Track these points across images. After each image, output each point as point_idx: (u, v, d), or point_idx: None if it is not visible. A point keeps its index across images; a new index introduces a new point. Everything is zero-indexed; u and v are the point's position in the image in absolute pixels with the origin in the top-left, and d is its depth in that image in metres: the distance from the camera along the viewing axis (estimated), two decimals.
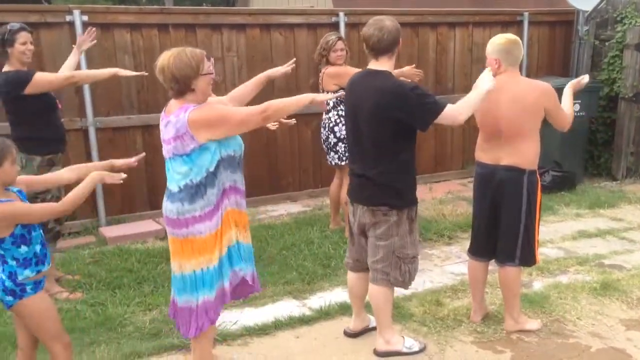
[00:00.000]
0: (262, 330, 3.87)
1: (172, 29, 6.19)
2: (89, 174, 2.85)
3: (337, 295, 4.36)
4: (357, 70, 5.38)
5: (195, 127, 2.83)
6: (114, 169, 3.06)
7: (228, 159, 2.97)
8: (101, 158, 5.95)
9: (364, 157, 3.41)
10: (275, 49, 6.70)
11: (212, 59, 4.95)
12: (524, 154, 3.61)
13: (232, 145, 3.00)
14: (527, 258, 3.74)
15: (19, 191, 2.79)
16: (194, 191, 2.91)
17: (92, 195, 5.93)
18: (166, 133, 2.93)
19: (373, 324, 3.72)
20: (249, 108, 3.03)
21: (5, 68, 4.28)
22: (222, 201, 2.98)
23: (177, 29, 6.22)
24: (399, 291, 3.84)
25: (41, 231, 2.81)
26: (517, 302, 3.82)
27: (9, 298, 2.71)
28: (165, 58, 2.90)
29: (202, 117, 2.85)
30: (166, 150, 2.97)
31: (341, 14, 6.94)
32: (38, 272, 2.75)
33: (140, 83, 6.12)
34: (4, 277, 2.70)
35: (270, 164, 6.84)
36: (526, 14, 8.07)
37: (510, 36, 3.66)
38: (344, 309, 4.10)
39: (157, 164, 6.16)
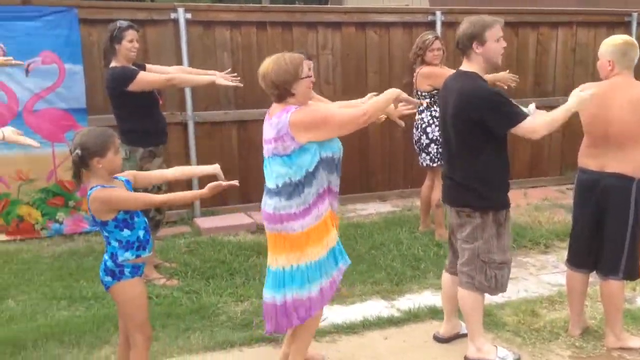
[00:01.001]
0: (351, 329, 3.87)
1: (269, 27, 6.30)
2: (202, 188, 3.00)
3: (426, 298, 4.30)
4: (451, 71, 5.30)
5: (296, 128, 2.89)
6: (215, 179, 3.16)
7: (327, 160, 3.01)
8: (198, 151, 6.17)
9: (450, 158, 3.41)
10: (370, 48, 6.69)
11: (311, 62, 5.01)
12: (634, 160, 3.41)
13: (332, 147, 3.03)
14: (632, 271, 3.54)
15: (127, 181, 2.93)
16: (292, 189, 2.97)
17: (188, 187, 6.14)
18: (267, 133, 3.01)
19: (464, 330, 3.64)
20: (350, 111, 3.07)
21: (113, 64, 4.50)
22: (320, 202, 3.01)
23: (274, 27, 6.33)
24: (491, 299, 3.74)
25: (145, 218, 2.94)
26: (619, 317, 3.62)
27: (108, 279, 2.84)
28: (265, 65, 2.99)
29: (303, 119, 2.90)
30: (266, 150, 3.04)
31: (438, 13, 6.83)
32: (138, 256, 2.86)
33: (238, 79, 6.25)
34: (106, 258, 2.85)
35: (361, 162, 6.83)
36: (635, 14, 7.63)
37: (626, 37, 3.48)
38: (433, 313, 4.04)
39: (250, 158, 6.34)
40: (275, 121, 2.94)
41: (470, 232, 3.33)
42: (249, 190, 6.44)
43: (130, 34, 4.48)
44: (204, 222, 5.98)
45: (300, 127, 2.89)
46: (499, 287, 3.39)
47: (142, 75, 4.48)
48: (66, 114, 5.61)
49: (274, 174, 3.01)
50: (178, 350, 3.63)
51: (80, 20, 5.54)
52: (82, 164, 2.74)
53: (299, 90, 2.96)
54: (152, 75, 4.62)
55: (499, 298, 3.66)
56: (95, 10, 5.66)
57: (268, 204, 3.06)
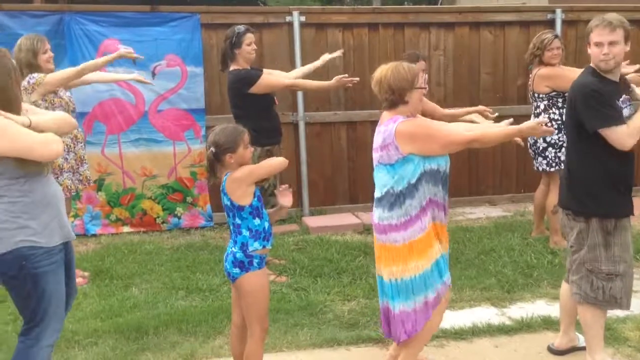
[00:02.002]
0: (459, 335, 3.80)
1: (381, 28, 6.32)
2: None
3: (539, 307, 4.14)
4: (572, 70, 5.05)
5: (401, 138, 2.91)
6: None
7: (431, 173, 2.98)
8: (308, 150, 6.30)
9: (566, 160, 3.34)
10: (484, 48, 6.53)
11: (424, 63, 5.01)
12: None
13: (437, 160, 3.00)
14: None
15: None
16: (393, 200, 2.98)
17: (298, 186, 6.30)
18: (376, 141, 3.04)
19: (582, 343, 3.47)
20: (458, 133, 3.05)
21: (232, 67, 4.71)
22: (423, 214, 2.99)
23: (386, 28, 6.33)
24: (612, 312, 3.54)
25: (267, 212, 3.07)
26: None
27: (237, 270, 2.97)
28: (383, 70, 3.01)
29: (409, 130, 2.92)
30: (374, 158, 3.08)
31: (558, 11, 6.54)
32: (264, 247, 3.00)
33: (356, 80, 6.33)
34: (235, 250, 2.97)
35: (471, 165, 6.68)
36: None
37: None
38: (547, 323, 3.88)
39: (359, 159, 6.39)
40: (383, 129, 2.98)
41: (575, 238, 3.22)
42: (357, 191, 6.50)
43: (249, 37, 4.67)
44: (313, 221, 6.09)
45: (405, 138, 2.90)
46: (608, 300, 3.19)
47: (265, 78, 4.67)
48: (186, 114, 5.93)
49: (379, 182, 3.05)
50: (287, 344, 3.73)
51: (201, 25, 5.83)
52: (216, 160, 2.92)
53: (412, 99, 2.98)
54: (274, 80, 4.80)
55: (620, 311, 3.45)
56: (216, 15, 5.93)
57: (375, 213, 3.09)
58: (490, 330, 3.84)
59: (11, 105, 2.66)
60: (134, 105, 5.80)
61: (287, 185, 3.23)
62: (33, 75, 4.29)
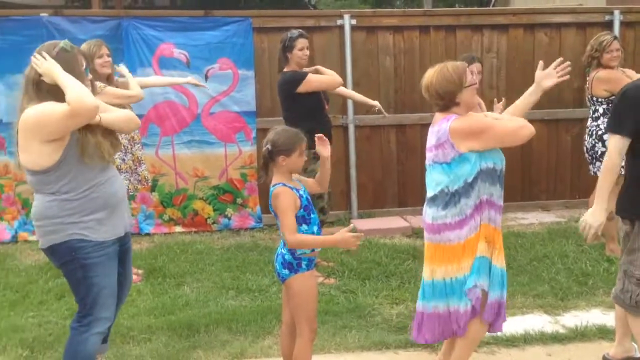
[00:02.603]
0: (510, 342, 3.73)
1: (432, 31, 6.27)
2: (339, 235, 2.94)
3: (594, 316, 4.02)
4: (632, 73, 4.90)
5: (456, 136, 2.88)
6: None
7: (487, 171, 2.93)
8: (357, 153, 6.30)
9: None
10: (538, 50, 6.39)
11: (480, 65, 4.95)
12: None
13: (493, 158, 2.95)
14: None
15: (304, 189, 3.09)
16: (448, 199, 2.94)
17: (347, 189, 6.31)
18: (429, 141, 3.02)
19: (639, 354, 3.36)
20: (512, 122, 2.96)
21: (286, 70, 4.76)
22: (477, 213, 2.94)
23: (437, 31, 6.29)
24: None
25: (316, 216, 3.08)
26: None
27: (285, 271, 3.00)
28: (429, 76, 2.99)
29: (463, 127, 2.88)
30: (428, 158, 3.05)
31: (616, 12, 6.37)
32: (312, 250, 3.02)
33: (399, 84, 6.32)
34: (284, 252, 3.01)
35: (524, 169, 6.55)
36: None
37: None
38: (603, 333, 3.77)
39: (409, 163, 6.36)
40: (437, 129, 2.95)
41: (622, 240, 3.17)
42: (406, 195, 6.47)
43: (301, 42, 4.72)
44: (361, 224, 6.08)
45: (460, 135, 2.87)
46: (634, 305, 3.09)
47: (310, 76, 4.71)
48: (238, 117, 6.02)
49: (433, 182, 3.01)
50: (335, 346, 3.74)
51: (253, 29, 5.91)
52: (269, 158, 2.95)
53: (463, 99, 2.94)
54: (319, 76, 4.81)
55: None
56: (268, 19, 6.01)
57: (427, 213, 3.06)
58: (543, 339, 3.76)
59: None
60: (187, 108, 5.93)
61: (321, 135, 3.16)
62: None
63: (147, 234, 5.97)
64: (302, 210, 2.97)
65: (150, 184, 5.20)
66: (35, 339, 3.80)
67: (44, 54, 2.74)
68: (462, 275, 2.96)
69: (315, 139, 3.12)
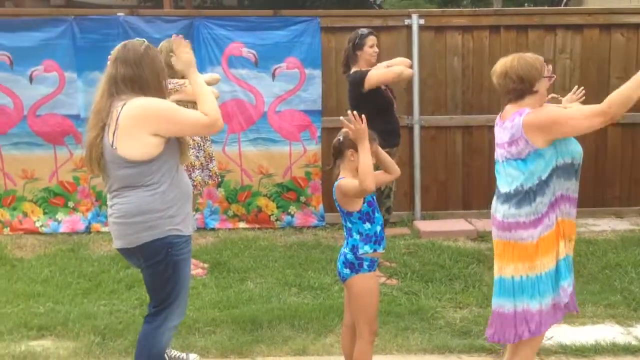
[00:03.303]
0: (580, 352, 3.61)
1: (503, 31, 6.14)
2: None
3: None
4: None
5: (530, 130, 2.79)
6: None
7: (564, 167, 2.85)
8: (422, 154, 6.24)
9: None
10: (615, 51, 6.16)
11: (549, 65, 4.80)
12: None
13: (571, 152, 2.86)
14: None
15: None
16: (522, 196, 2.86)
17: (410, 190, 6.25)
18: (500, 137, 2.94)
19: None
20: (587, 108, 2.84)
21: (353, 69, 4.77)
22: (552, 211, 2.86)
23: (508, 31, 6.15)
24: None
25: (381, 215, 3.07)
26: None
27: (347, 271, 3.00)
28: (507, 62, 2.90)
29: (537, 119, 2.79)
30: (499, 154, 2.97)
31: None
32: (374, 250, 3.01)
33: (466, 84, 6.22)
34: (346, 251, 3.01)
35: (596, 173, 6.31)
36: None
37: None
38: None
39: (474, 165, 6.25)
40: (509, 125, 2.86)
41: None
42: (470, 197, 6.36)
43: (371, 39, 4.72)
44: (424, 225, 6.02)
45: (534, 129, 2.78)
46: None
47: (370, 73, 4.69)
48: (303, 115, 6.06)
49: (506, 178, 2.93)
50: (397, 348, 3.72)
51: (321, 29, 5.94)
52: (338, 151, 2.97)
53: (540, 89, 2.86)
54: (380, 71, 4.76)
55: None
56: (336, 19, 6.03)
57: (498, 210, 2.98)
58: (615, 350, 3.62)
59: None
60: (254, 106, 6.02)
61: (355, 113, 3.00)
62: (172, 80, 4.55)
63: (212, 229, 6.09)
64: (366, 205, 2.96)
65: (219, 179, 5.31)
66: (106, 327, 3.94)
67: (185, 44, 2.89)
68: (533, 274, 2.87)
69: (350, 116, 2.95)
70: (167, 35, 5.30)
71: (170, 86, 4.51)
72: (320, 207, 6.18)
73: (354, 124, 2.87)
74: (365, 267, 2.99)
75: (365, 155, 2.86)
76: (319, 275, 4.84)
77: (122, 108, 2.77)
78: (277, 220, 6.19)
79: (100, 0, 15.55)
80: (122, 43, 2.93)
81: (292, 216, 6.20)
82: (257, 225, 6.16)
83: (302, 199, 6.19)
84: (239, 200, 6.14)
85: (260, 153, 6.10)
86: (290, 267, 5.06)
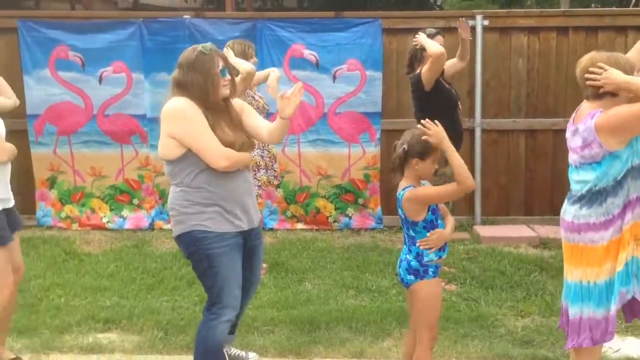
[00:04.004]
0: None
1: (571, 32, 5.96)
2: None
3: None
4: None
5: (603, 132, 2.71)
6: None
7: (639, 168, 2.75)
8: (483, 159, 6.13)
9: None
10: None
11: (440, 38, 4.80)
12: None
13: None
14: None
15: None
16: (594, 198, 2.78)
17: (471, 194, 6.14)
18: (574, 141, 2.86)
19: None
20: None
21: (419, 69, 4.74)
22: (625, 213, 2.76)
23: (576, 32, 5.97)
24: None
25: (443, 223, 3.03)
26: None
27: (410, 277, 2.98)
28: (596, 57, 2.80)
29: (608, 122, 2.70)
30: (573, 159, 2.90)
31: None
32: (439, 257, 2.99)
33: (531, 86, 6.08)
34: (409, 258, 2.99)
35: None
36: None
37: None
38: None
39: (538, 170, 6.10)
40: (582, 128, 2.78)
41: None
42: (533, 202, 6.21)
43: (438, 39, 4.69)
44: (484, 231, 5.91)
45: (606, 131, 2.69)
46: None
47: (423, 70, 4.67)
48: (363, 117, 6.06)
49: (579, 180, 2.85)
50: (456, 355, 3.67)
51: (383, 30, 5.92)
52: (402, 159, 2.95)
53: (622, 94, 2.76)
54: (431, 64, 4.67)
55: None
56: (397, 20, 5.99)
57: (568, 211, 2.90)
58: None
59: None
60: (314, 107, 6.05)
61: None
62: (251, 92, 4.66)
63: (271, 229, 6.16)
64: (430, 213, 2.94)
65: (280, 180, 5.37)
66: (169, 322, 4.05)
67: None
68: (602, 280, 2.77)
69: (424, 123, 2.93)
70: (231, 37, 5.41)
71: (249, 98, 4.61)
72: (378, 209, 6.16)
73: (430, 128, 2.84)
74: (430, 273, 2.98)
75: (453, 153, 2.86)
76: (376, 278, 4.83)
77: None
78: (334, 221, 6.20)
79: (165, 2, 15.99)
80: (187, 49, 3.03)
81: (350, 218, 6.20)
82: (314, 227, 6.19)
83: (360, 201, 6.18)
84: (297, 201, 6.19)
85: (319, 154, 6.12)
86: (348, 269, 5.06)
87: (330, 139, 6.11)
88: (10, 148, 3.32)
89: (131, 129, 6.09)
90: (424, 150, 2.90)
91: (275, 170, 5.02)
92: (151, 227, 6.15)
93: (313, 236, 5.97)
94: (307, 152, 6.12)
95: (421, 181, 3.01)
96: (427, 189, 2.97)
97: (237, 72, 4.33)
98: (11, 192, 3.38)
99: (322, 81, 5.99)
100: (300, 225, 6.21)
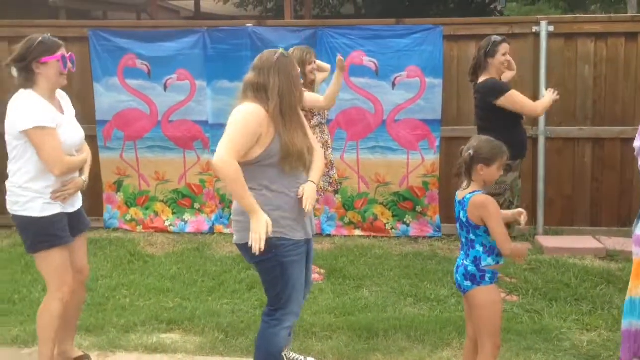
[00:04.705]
0: None
1: None
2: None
3: None
4: None
5: None
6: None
7: None
8: (547, 168, 5.98)
9: None
10: None
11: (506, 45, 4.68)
12: None
13: None
14: None
15: None
16: None
17: (533, 203, 6.00)
18: None
19: None
20: None
21: (484, 77, 4.67)
22: None
23: None
24: None
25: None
26: None
27: (467, 283, 2.95)
28: None
29: None
30: None
31: None
32: (497, 263, 2.96)
33: (598, 94, 5.90)
34: (466, 263, 2.96)
35: None
36: None
37: None
38: None
39: (605, 179, 5.92)
40: None
41: None
42: (599, 213, 6.02)
43: (504, 47, 4.61)
44: (548, 241, 5.76)
45: None
46: None
47: (513, 93, 4.58)
48: (422, 125, 6.01)
49: None
50: None
51: (444, 37, 5.86)
52: (468, 165, 2.94)
53: None
54: (523, 99, 4.64)
55: None
56: (459, 27, 5.93)
57: (638, 224, 2.81)
58: None
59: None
60: (373, 114, 6.05)
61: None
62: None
63: (328, 235, 6.18)
64: None
65: (339, 187, 5.39)
66: (229, 325, 4.12)
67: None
68: None
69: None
70: (292, 44, 5.48)
71: None
72: (437, 217, 6.10)
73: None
74: (487, 279, 2.94)
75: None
76: (435, 287, 4.78)
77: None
78: (392, 228, 6.17)
79: (225, 11, 16.35)
80: (263, 52, 3.05)
81: (408, 225, 6.16)
82: (372, 234, 6.17)
83: (419, 208, 6.13)
84: (355, 208, 6.19)
85: (377, 161, 6.12)
86: (406, 277, 5.03)
87: (389, 146, 6.09)
88: (67, 163, 3.22)
89: (194, 135, 6.24)
90: (490, 156, 2.90)
91: (331, 177, 5.04)
92: (211, 230, 6.27)
93: (370, 243, 5.96)
94: (366, 158, 6.12)
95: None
96: (495, 211, 2.91)
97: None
98: (77, 196, 3.44)
99: (382, 88, 5.98)
100: (357, 232, 6.21)
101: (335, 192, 6.10)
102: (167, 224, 6.34)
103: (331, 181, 5.05)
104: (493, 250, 2.93)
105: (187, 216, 6.35)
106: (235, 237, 3.06)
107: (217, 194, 6.30)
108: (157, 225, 6.33)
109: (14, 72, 3.22)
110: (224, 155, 2.80)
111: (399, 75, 5.94)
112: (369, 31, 5.98)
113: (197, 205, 6.35)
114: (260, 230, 2.81)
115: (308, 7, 12.67)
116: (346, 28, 6.04)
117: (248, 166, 2.91)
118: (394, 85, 5.96)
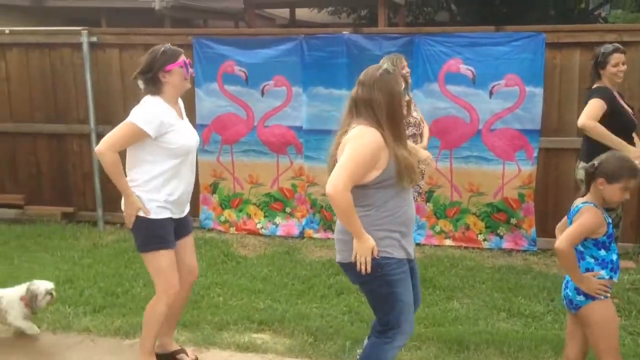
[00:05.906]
0: None
1: None
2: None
3: None
4: None
5: None
6: None
7: None
8: None
9: None
10: None
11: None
12: None
13: None
14: None
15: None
16: None
17: (638, 219, 5.68)
18: None
19: None
20: None
21: (596, 85, 4.54)
22: None
23: None
24: None
25: (616, 247, 2.87)
26: None
27: (580, 297, 2.83)
28: None
29: None
30: None
31: None
32: (610, 277, 2.84)
33: None
34: None
35: None
36: None
37: None
38: None
39: None
40: None
41: None
42: None
43: (615, 57, 4.43)
44: None
45: None
46: None
47: (591, 102, 4.43)
48: (520, 135, 5.83)
49: None
50: None
51: (546, 44, 5.66)
52: (590, 175, 2.87)
53: None
54: (589, 109, 4.44)
55: None
56: (562, 35, 5.69)
57: None
58: None
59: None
60: (468, 123, 5.92)
61: None
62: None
63: (418, 244, 6.09)
64: (605, 237, 2.80)
65: (426, 197, 5.32)
66: (317, 329, 4.16)
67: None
68: None
69: None
70: (388, 51, 5.48)
71: None
72: (533, 230, 5.89)
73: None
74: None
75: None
76: (530, 302, 4.62)
77: (350, 130, 2.91)
78: (484, 240, 6.02)
79: (319, 19, 16.57)
80: (368, 68, 3.01)
81: (501, 238, 5.99)
82: (463, 244, 6.05)
83: (513, 220, 5.95)
84: (447, 216, 6.09)
85: (471, 170, 5.99)
86: (499, 290, 4.89)
87: (483, 155, 5.94)
88: (112, 158, 3.26)
89: (288, 140, 6.36)
90: (613, 173, 2.79)
91: (420, 187, 4.99)
92: (301, 235, 6.36)
93: (461, 254, 5.84)
94: (459, 167, 6.01)
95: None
96: (586, 222, 2.79)
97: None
98: (187, 204, 3.60)
99: (478, 97, 5.85)
100: (448, 242, 6.10)
101: (426, 200, 6.05)
102: (258, 226, 6.49)
103: (420, 191, 5.00)
104: (606, 264, 2.81)
105: (278, 219, 6.47)
106: (338, 257, 3.03)
107: (308, 198, 6.38)
108: (249, 228, 6.50)
109: (141, 84, 3.42)
110: (340, 185, 2.76)
111: (497, 84, 5.79)
112: (467, 38, 5.87)
113: (288, 209, 6.46)
114: (365, 254, 2.83)
115: (402, 14, 12.63)
116: (443, 35, 5.96)
117: (363, 189, 2.87)
118: (491, 93, 5.82)
